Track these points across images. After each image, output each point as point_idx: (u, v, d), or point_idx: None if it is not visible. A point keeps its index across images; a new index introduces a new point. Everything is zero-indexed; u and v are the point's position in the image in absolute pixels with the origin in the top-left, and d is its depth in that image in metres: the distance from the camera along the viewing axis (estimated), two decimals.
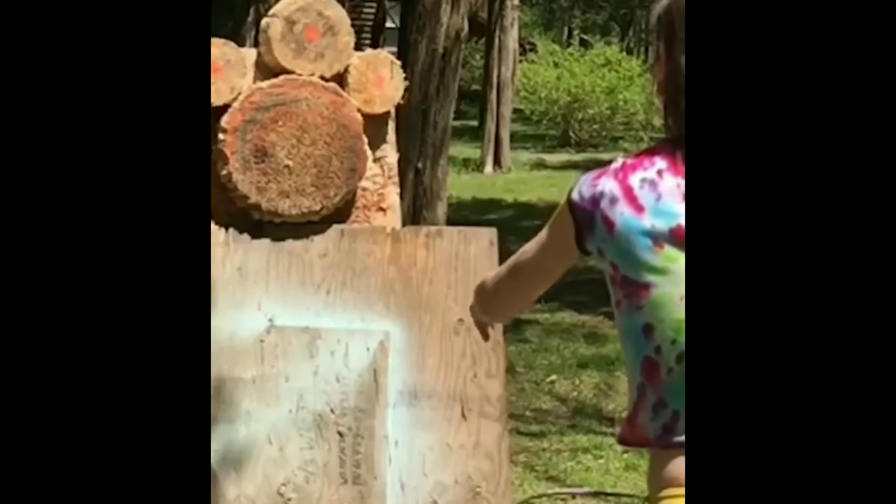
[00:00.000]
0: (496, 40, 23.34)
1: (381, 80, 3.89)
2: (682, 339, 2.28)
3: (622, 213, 2.36)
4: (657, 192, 2.35)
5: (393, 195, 4.00)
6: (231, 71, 3.74)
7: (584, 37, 40.27)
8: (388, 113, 3.96)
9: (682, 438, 2.29)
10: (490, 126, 22.65)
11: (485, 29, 24.50)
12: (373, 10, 24.53)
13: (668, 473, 2.34)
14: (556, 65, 27.47)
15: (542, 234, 2.57)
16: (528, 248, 2.62)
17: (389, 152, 4.00)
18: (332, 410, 3.78)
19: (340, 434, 3.78)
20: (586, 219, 2.41)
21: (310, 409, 3.76)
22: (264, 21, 3.88)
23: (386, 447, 3.80)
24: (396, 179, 4.03)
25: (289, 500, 3.74)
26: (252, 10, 12.27)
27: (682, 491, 2.22)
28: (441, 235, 3.94)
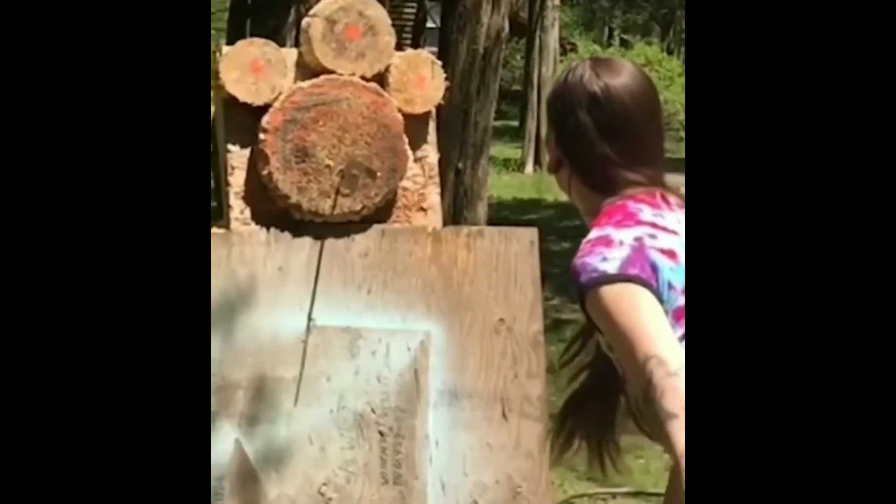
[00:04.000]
0: (537, 40, 23.33)
1: (422, 79, 3.88)
2: None
3: (673, 240, 2.39)
4: (666, 219, 2.43)
5: (434, 195, 3.99)
6: (272, 71, 3.74)
7: (625, 36, 40.21)
8: (428, 113, 3.95)
9: None
10: (531, 126, 22.64)
11: (525, 29, 24.49)
12: (413, 10, 24.54)
13: None
14: None
15: (652, 327, 2.30)
16: (677, 351, 2.29)
17: (430, 152, 4.00)
18: (372, 410, 3.78)
19: (381, 434, 3.78)
20: (643, 266, 2.36)
21: (350, 408, 3.76)
22: (305, 21, 3.88)
23: (427, 447, 3.80)
24: (437, 179, 4.02)
25: (329, 500, 3.74)
26: (293, 10, 12.27)
27: None
28: (482, 235, 3.93)
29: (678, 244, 2.38)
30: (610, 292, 2.33)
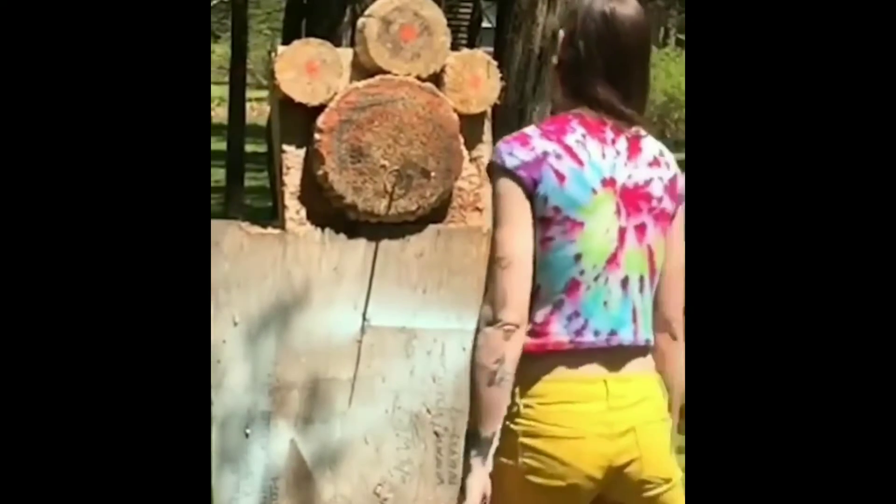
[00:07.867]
0: None
1: (478, 79, 3.88)
2: (601, 263, 2.98)
3: (570, 167, 2.99)
4: (587, 150, 3.01)
5: (489, 195, 3.98)
6: (327, 71, 3.74)
7: (681, 36, 40.01)
8: (484, 113, 3.94)
9: (592, 340, 2.98)
10: None
11: None
12: (469, 10, 24.55)
13: (580, 371, 2.98)
14: (652, 65, 27.38)
15: (506, 218, 3.00)
16: (507, 243, 3.00)
17: (486, 152, 3.99)
18: (428, 410, 3.78)
19: (437, 434, 3.78)
20: (531, 175, 2.97)
21: (406, 409, 3.77)
22: (360, 21, 3.88)
23: None
24: None
25: (385, 500, 3.74)
26: (348, 10, 12.30)
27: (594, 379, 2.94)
28: None
29: (573, 172, 2.97)
30: (499, 181, 3.03)
